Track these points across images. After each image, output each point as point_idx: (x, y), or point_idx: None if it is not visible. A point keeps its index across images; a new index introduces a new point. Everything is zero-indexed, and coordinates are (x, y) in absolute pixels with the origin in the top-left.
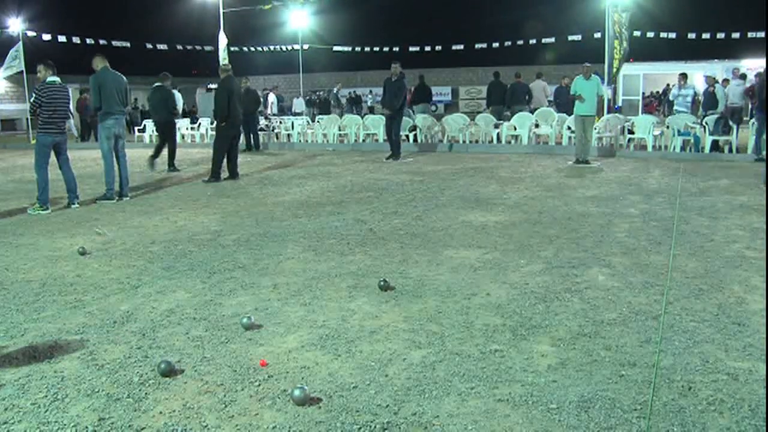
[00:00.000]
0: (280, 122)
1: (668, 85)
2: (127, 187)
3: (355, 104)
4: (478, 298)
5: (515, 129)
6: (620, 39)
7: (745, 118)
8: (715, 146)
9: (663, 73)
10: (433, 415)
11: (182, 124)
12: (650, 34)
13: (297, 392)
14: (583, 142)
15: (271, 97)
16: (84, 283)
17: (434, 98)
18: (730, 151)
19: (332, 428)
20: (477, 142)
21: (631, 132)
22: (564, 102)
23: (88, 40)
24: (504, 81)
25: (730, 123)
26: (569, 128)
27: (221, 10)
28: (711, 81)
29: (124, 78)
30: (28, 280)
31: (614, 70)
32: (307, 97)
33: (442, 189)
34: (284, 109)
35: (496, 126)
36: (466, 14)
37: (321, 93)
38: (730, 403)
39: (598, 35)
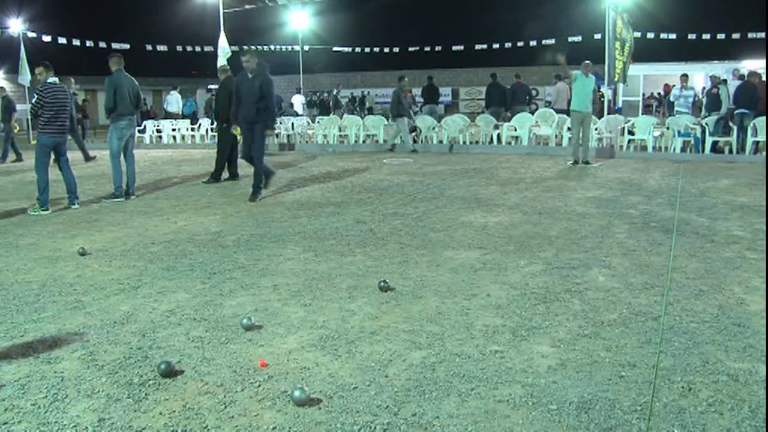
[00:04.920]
0: (280, 123)
1: (673, 86)
2: (134, 185)
3: (360, 105)
4: (478, 298)
5: (515, 130)
6: (621, 40)
7: (733, 121)
8: (715, 147)
9: (663, 74)
10: (433, 415)
11: (182, 125)
12: (650, 35)
13: (297, 393)
14: (581, 142)
15: (300, 98)
16: (84, 283)
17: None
18: (731, 151)
19: (332, 429)
20: (477, 142)
21: (631, 133)
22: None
23: (87, 42)
24: (502, 82)
25: (730, 124)
26: (569, 129)
27: (221, 11)
28: (716, 81)
29: (135, 81)
30: (28, 281)
31: (617, 71)
32: (308, 98)
33: (442, 190)
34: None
35: (496, 127)
36: (466, 15)
37: (325, 94)
38: (731, 404)
39: (598, 36)
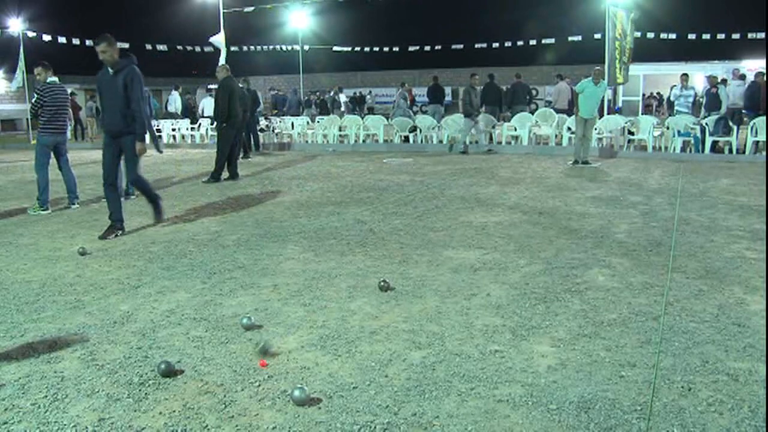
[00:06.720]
0: (280, 121)
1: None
2: (133, 186)
3: (359, 104)
4: (478, 298)
5: (515, 129)
6: (622, 40)
7: (745, 119)
8: (715, 147)
9: (663, 73)
10: (433, 415)
11: (182, 125)
12: (650, 35)
13: (297, 393)
14: (583, 142)
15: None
16: (84, 283)
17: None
18: (730, 151)
19: (332, 429)
20: (477, 142)
21: (631, 132)
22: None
23: (87, 41)
24: (502, 82)
25: (730, 124)
26: (569, 129)
27: (221, 10)
28: (713, 81)
29: None
30: (28, 281)
31: (617, 71)
32: (306, 98)
33: (442, 189)
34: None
35: (494, 126)
36: (466, 14)
37: (328, 95)
38: (730, 403)
39: (598, 36)
